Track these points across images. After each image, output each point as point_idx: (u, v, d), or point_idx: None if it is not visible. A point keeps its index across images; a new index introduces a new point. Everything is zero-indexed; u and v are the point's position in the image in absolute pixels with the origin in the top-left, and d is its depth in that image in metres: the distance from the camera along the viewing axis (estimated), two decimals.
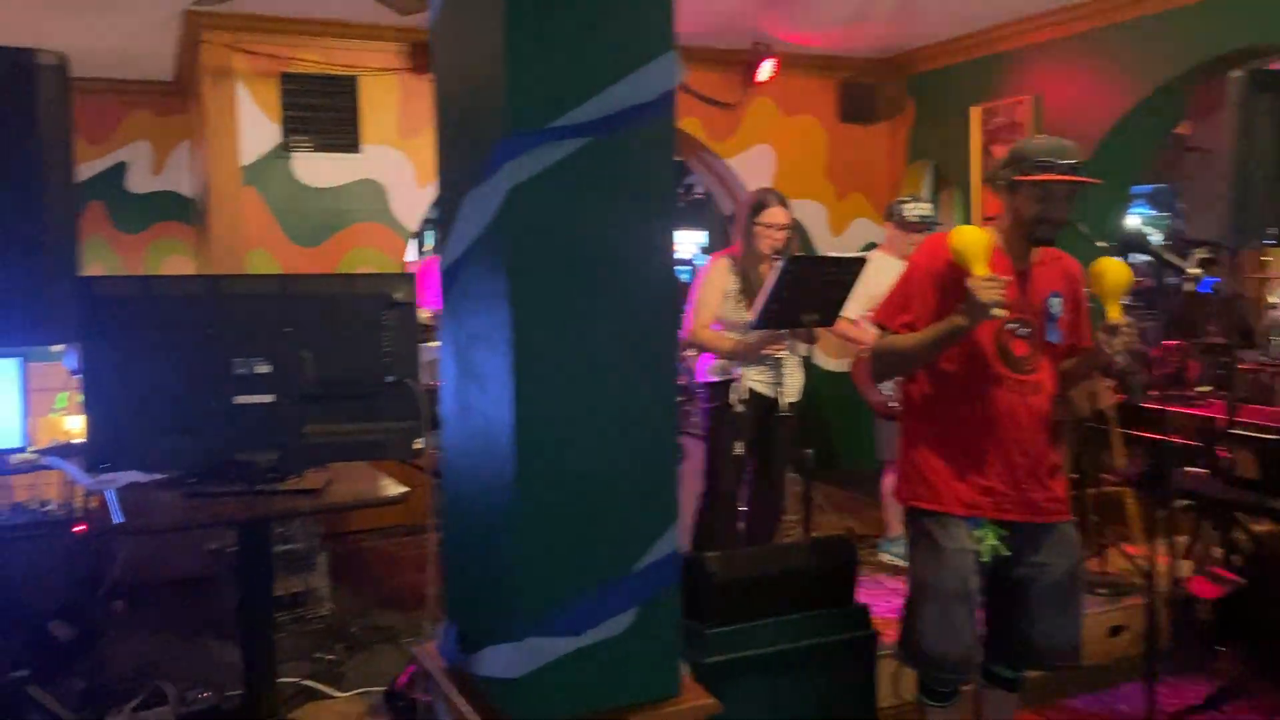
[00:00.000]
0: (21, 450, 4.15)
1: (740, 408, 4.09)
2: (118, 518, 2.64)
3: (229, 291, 2.93)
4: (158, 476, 2.90)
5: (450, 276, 1.78)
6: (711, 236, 11.93)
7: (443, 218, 1.85)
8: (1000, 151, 5.91)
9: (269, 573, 3.34)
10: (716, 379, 4.15)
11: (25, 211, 2.47)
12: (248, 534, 3.06)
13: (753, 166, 6.48)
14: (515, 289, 1.53)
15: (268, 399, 2.81)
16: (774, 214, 4.07)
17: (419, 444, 2.95)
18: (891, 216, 4.66)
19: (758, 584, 2.95)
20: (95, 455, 2.75)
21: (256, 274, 4.98)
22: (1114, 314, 2.52)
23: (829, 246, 6.58)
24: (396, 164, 5.73)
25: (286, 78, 5.46)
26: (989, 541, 2.62)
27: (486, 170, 1.57)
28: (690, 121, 6.19)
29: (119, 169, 6.83)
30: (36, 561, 4.13)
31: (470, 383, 1.71)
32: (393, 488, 3.06)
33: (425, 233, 8.71)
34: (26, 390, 4.07)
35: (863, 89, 6.63)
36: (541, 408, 1.55)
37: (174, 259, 7.00)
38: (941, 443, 2.66)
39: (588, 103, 1.52)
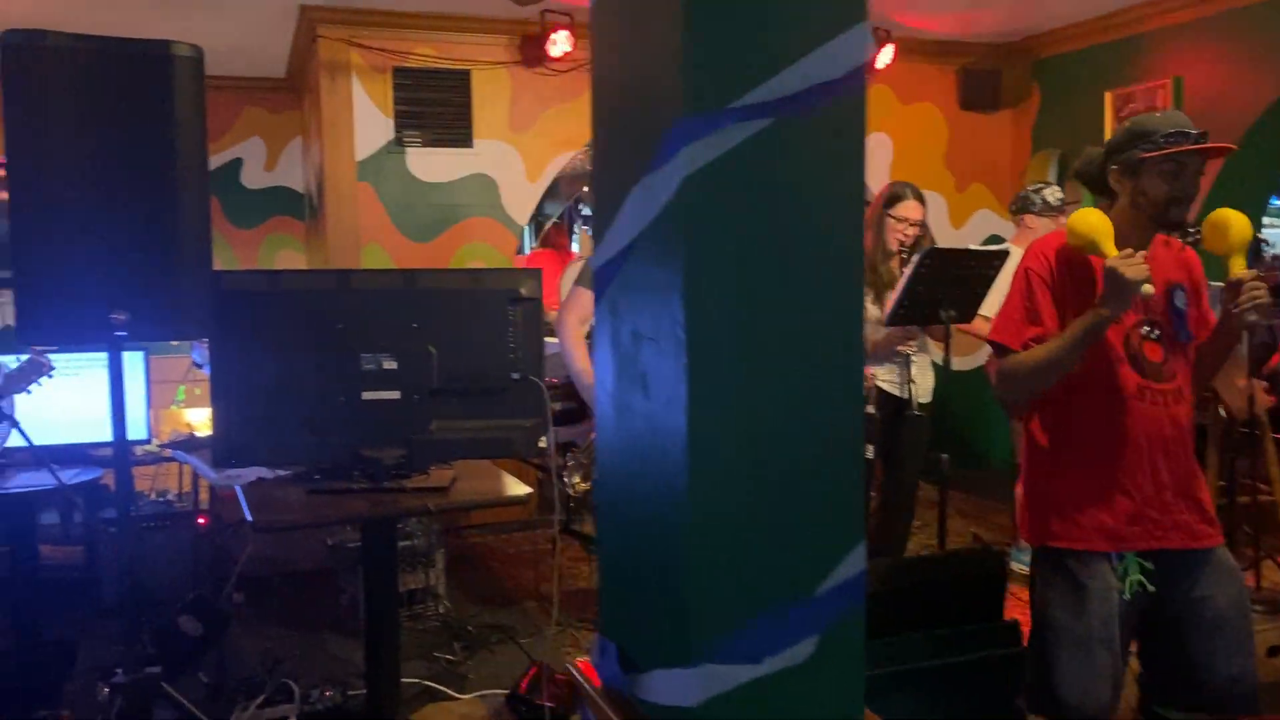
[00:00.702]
0: (145, 442, 4.22)
1: (870, 409, 3.91)
2: (248, 515, 2.61)
3: (357, 286, 2.90)
4: (282, 472, 2.88)
5: (609, 271, 1.66)
6: None
7: (599, 211, 1.74)
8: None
9: (394, 571, 3.30)
10: None
11: (161, 204, 2.46)
12: (373, 531, 3.02)
13: (869, 157, 6.23)
14: (690, 284, 1.40)
15: (394, 395, 2.77)
16: (907, 207, 3.89)
17: (543, 442, 2.89)
18: (1030, 206, 4.39)
19: (902, 596, 2.81)
20: (222, 450, 2.73)
21: (384, 269, 4.97)
22: (1238, 268, 2.25)
23: (949, 239, 6.33)
24: (507, 158, 5.69)
25: (399, 72, 5.46)
26: (1133, 576, 2.34)
27: (659, 157, 1.45)
28: None
29: (235, 165, 6.94)
30: (161, 553, 4.19)
31: (631, 384, 1.59)
32: (517, 487, 2.99)
33: (524, 228, 8.67)
34: (149, 383, 4.14)
35: (985, 75, 6.37)
36: (717, 412, 1.42)
37: (286, 253, 7.10)
38: (1077, 471, 2.37)
39: (773, 79, 1.38)
